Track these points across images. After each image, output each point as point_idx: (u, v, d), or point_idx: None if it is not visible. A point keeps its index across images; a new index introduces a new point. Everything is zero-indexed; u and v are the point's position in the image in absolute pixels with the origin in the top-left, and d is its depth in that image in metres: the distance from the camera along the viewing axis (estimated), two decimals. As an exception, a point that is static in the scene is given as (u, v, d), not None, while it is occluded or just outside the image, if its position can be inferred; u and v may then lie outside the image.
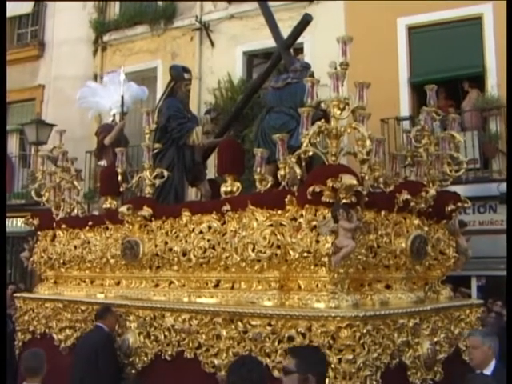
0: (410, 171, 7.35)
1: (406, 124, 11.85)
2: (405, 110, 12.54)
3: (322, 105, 5.84)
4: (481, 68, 12.10)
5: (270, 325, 5.57)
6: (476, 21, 12.25)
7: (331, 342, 5.15)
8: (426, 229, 6.59)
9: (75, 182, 8.86)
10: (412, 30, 12.91)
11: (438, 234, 6.99)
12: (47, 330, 8.28)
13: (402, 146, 7.52)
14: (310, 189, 5.47)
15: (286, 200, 5.83)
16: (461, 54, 12.23)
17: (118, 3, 16.51)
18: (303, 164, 5.98)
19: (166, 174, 7.54)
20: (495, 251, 10.69)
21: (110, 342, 6.92)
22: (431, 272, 6.99)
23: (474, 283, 11.56)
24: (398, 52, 12.85)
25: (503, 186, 10.85)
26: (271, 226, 5.88)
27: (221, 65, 14.33)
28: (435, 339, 6.23)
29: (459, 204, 7.09)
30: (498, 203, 11.35)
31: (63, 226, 8.55)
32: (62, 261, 8.46)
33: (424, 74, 12.09)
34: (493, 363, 5.02)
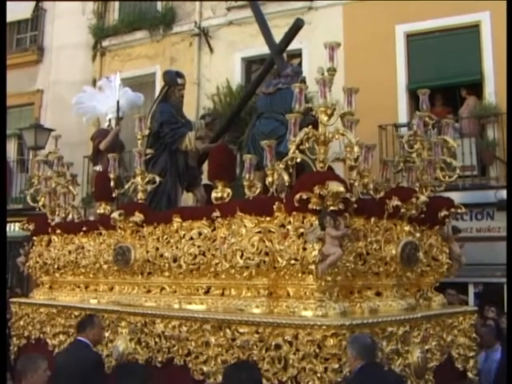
0: (402, 177, 7.30)
1: (403, 130, 11.80)
2: (403, 116, 12.50)
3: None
4: (478, 75, 12.06)
5: (257, 332, 5.55)
6: (474, 28, 12.21)
7: (317, 350, 5.11)
8: (417, 235, 6.55)
9: (70, 187, 8.87)
10: (410, 37, 12.86)
11: (431, 240, 6.96)
12: (41, 336, 8.30)
13: (399, 152, 7.45)
14: (297, 196, 5.45)
15: (275, 207, 5.82)
16: (459, 62, 12.19)
17: (117, 9, 16.51)
18: (293, 170, 5.97)
19: (157, 179, 7.53)
20: (492, 258, 10.64)
21: (102, 363, 6.07)
22: (424, 279, 6.94)
23: (471, 290, 11.48)
24: (396, 59, 12.81)
25: (500, 193, 10.83)
26: (259, 232, 5.87)
27: (219, 70, 14.31)
28: (426, 347, 6.18)
29: (452, 210, 7.05)
30: (495, 210, 11.29)
31: (58, 231, 8.57)
32: (56, 266, 8.50)
33: (422, 80, 12.03)
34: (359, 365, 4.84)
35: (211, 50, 14.92)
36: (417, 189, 6.68)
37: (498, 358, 7.12)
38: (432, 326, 6.40)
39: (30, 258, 9.13)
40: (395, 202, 6.06)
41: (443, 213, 6.91)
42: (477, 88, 12.19)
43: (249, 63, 14.71)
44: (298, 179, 5.76)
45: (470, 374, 6.92)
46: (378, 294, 6.19)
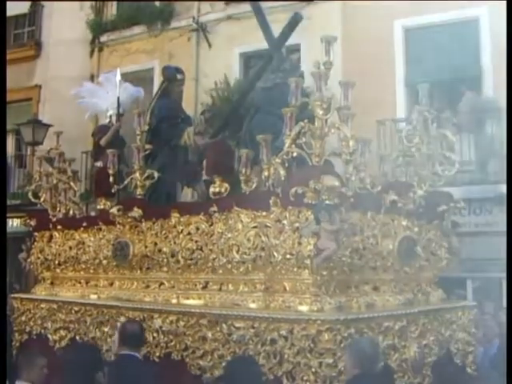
0: (401, 171, 7.28)
1: (402, 125, 11.77)
2: (401, 111, 12.51)
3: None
4: (477, 70, 12.07)
5: (253, 327, 5.54)
6: (472, 23, 12.23)
7: (312, 345, 5.10)
8: (415, 230, 6.51)
9: (72, 183, 8.88)
10: (409, 32, 12.89)
11: (430, 234, 6.90)
12: (43, 331, 8.29)
13: (397, 147, 7.42)
14: (292, 190, 5.44)
15: (271, 201, 5.80)
16: (457, 56, 12.20)
17: (115, 4, 16.49)
18: (293, 164, 5.97)
19: (156, 175, 7.53)
20: (491, 253, 10.63)
21: None
22: (423, 273, 6.89)
23: (469, 285, 11.51)
24: (395, 53, 12.83)
25: (499, 188, 10.82)
26: (256, 227, 5.87)
27: (218, 66, 14.29)
28: (424, 342, 6.15)
29: (451, 204, 7.02)
30: (493, 205, 11.30)
31: (59, 226, 8.59)
32: (57, 261, 8.50)
33: (421, 75, 12.04)
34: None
35: (209, 45, 14.92)
36: (415, 183, 6.66)
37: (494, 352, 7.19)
38: (430, 320, 6.35)
39: (31, 253, 9.13)
40: (392, 196, 6.05)
41: (442, 207, 6.88)
42: (475, 83, 12.18)
43: (247, 58, 14.69)
44: (293, 174, 5.76)
45: (468, 369, 6.89)
46: (376, 289, 6.17)
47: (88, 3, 16.56)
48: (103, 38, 16.29)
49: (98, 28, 16.27)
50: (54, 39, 16.78)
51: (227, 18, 14.69)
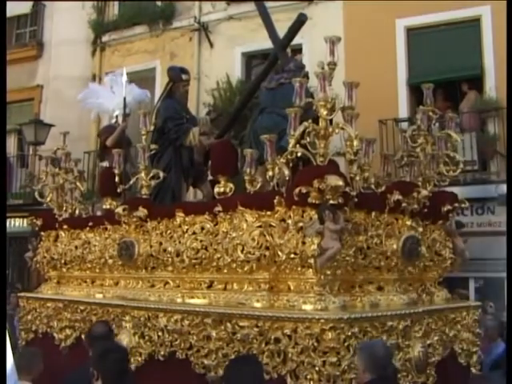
0: (405, 172, 7.29)
1: (404, 125, 11.82)
2: (403, 111, 12.53)
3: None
4: (479, 70, 12.10)
5: (257, 326, 5.55)
6: (474, 22, 12.25)
7: (315, 344, 5.10)
8: (420, 230, 6.51)
9: (78, 183, 8.92)
10: (410, 32, 12.92)
11: (434, 234, 6.91)
12: (48, 330, 8.32)
13: (401, 147, 7.43)
14: (297, 190, 5.45)
15: (275, 201, 5.81)
16: (459, 56, 12.23)
17: (116, 4, 16.52)
18: (298, 164, 5.98)
19: (161, 175, 7.55)
20: (493, 253, 10.65)
21: None
22: (427, 274, 6.91)
23: (471, 285, 11.53)
24: (397, 53, 12.86)
25: (501, 188, 10.85)
26: (260, 227, 5.88)
27: (219, 66, 14.31)
28: (428, 342, 6.16)
29: (456, 204, 7.03)
30: (496, 205, 11.32)
31: (65, 226, 8.61)
32: (63, 261, 8.52)
33: (422, 75, 12.06)
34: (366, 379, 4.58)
35: (211, 44, 14.95)
36: (420, 183, 6.67)
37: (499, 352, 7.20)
38: (434, 320, 6.36)
39: (37, 253, 9.15)
40: (396, 196, 6.03)
41: (447, 207, 6.88)
42: (477, 82, 12.21)
43: (249, 58, 14.72)
44: (298, 173, 5.77)
45: (473, 369, 6.89)
46: (380, 289, 6.17)
47: (90, 3, 16.58)
48: (105, 38, 16.31)
49: (100, 28, 16.29)
50: (55, 39, 16.81)
51: (229, 18, 14.72)
